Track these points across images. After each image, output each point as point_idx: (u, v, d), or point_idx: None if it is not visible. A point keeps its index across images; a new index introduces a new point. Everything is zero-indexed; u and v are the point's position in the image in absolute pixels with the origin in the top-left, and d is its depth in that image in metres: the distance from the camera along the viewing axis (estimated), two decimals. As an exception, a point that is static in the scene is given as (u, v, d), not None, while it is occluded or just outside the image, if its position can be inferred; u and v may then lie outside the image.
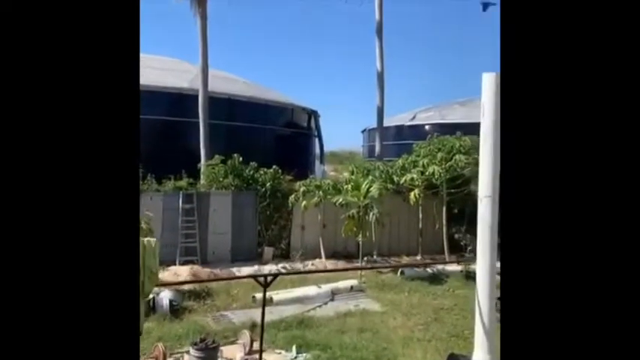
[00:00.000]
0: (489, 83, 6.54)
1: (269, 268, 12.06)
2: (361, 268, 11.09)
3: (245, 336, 6.83)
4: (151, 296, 7.74)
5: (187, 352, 5.95)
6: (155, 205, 11.92)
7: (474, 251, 13.55)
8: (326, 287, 9.76)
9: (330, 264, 12.92)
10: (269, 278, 5.43)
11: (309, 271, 10.50)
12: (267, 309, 8.72)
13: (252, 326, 7.41)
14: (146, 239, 4.53)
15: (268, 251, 13.18)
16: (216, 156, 13.90)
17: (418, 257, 14.24)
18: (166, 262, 11.45)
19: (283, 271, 11.93)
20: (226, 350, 6.72)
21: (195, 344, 5.73)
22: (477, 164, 13.57)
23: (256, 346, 6.52)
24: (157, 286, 7.46)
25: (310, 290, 9.59)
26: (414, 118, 27.03)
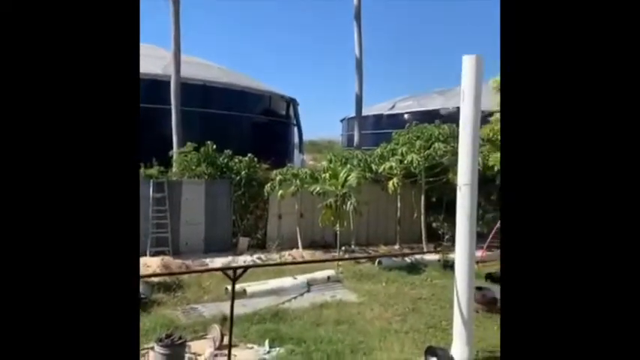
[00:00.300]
0: (469, 66, 6.30)
1: (244, 259, 11.76)
2: (337, 260, 10.86)
3: (215, 330, 6.52)
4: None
5: (152, 348, 5.61)
6: (125, 194, 11.46)
7: (451, 240, 13.53)
8: (302, 278, 9.49)
9: (307, 254, 12.66)
10: (238, 271, 5.11)
11: (282, 263, 10.17)
12: (240, 301, 8.46)
13: (224, 320, 7.09)
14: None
15: (243, 241, 12.84)
16: (189, 143, 13.44)
17: (396, 246, 14.09)
18: (137, 253, 11.08)
19: (259, 262, 11.65)
20: (195, 345, 6.41)
21: (161, 340, 5.40)
22: (455, 153, 13.45)
23: (227, 340, 6.22)
24: None
25: (285, 281, 9.31)
26: (393, 107, 26.86)
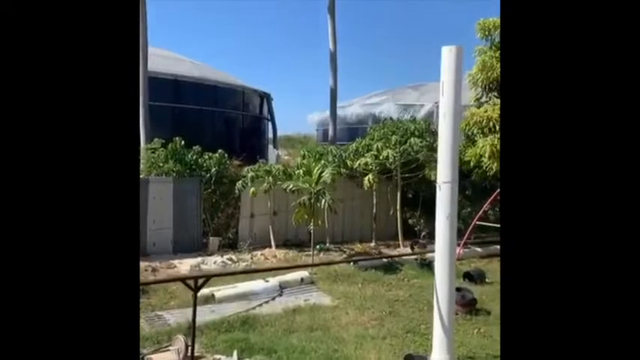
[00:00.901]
0: (449, 58, 5.94)
1: (214, 260, 11.28)
2: (309, 265, 10.40)
3: (179, 341, 6.04)
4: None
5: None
6: (86, 194, 10.84)
7: (428, 237, 13.30)
8: (273, 281, 9.05)
9: (280, 253, 12.24)
10: (200, 281, 4.66)
11: (246, 271, 9.47)
12: (208, 307, 7.99)
13: (189, 328, 6.63)
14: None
15: (214, 241, 12.33)
16: (156, 139, 12.83)
17: (372, 243, 13.78)
18: (100, 256, 10.50)
19: (229, 262, 11.18)
20: (157, 358, 5.94)
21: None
22: (431, 148, 13.20)
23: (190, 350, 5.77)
24: None
25: (256, 285, 8.85)
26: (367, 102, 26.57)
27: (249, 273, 8.99)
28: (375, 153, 13.01)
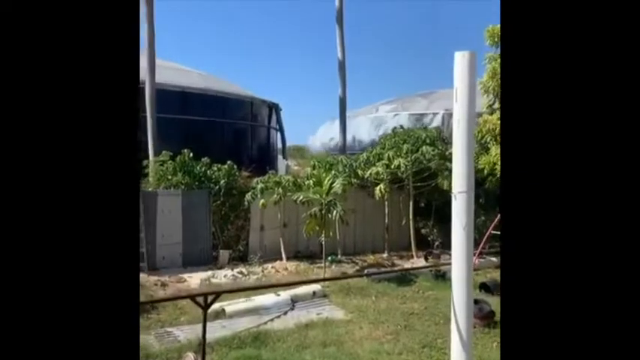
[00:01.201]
0: (462, 64, 5.76)
1: (225, 273, 11.13)
2: (322, 280, 10.17)
3: (189, 359, 5.87)
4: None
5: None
6: (95, 208, 10.74)
7: (441, 246, 13.04)
8: (285, 295, 8.84)
9: (291, 265, 12.06)
10: (210, 298, 4.49)
11: (258, 287, 9.20)
12: (218, 322, 7.80)
13: (200, 345, 6.44)
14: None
15: (224, 254, 12.18)
16: (164, 152, 12.75)
17: (385, 254, 13.54)
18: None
19: (240, 276, 11.02)
20: (166, 377, 5.77)
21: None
22: (443, 156, 13.00)
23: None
24: None
25: (267, 299, 8.65)
26: (376, 111, 26.42)
27: (261, 289, 8.78)
28: (387, 162, 12.83)
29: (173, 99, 17.80)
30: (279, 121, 23.94)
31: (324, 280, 9.69)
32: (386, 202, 13.53)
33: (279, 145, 24.60)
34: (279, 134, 24.18)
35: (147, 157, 13.45)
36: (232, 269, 11.41)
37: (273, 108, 23.56)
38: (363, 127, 24.23)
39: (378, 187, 12.70)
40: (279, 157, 24.71)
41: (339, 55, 18.32)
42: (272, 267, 11.84)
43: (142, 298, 8.88)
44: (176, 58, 22.17)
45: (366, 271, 10.92)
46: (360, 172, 13.28)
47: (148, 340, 7.09)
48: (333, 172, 12.64)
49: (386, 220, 13.79)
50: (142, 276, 10.10)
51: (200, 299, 4.88)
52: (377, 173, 12.77)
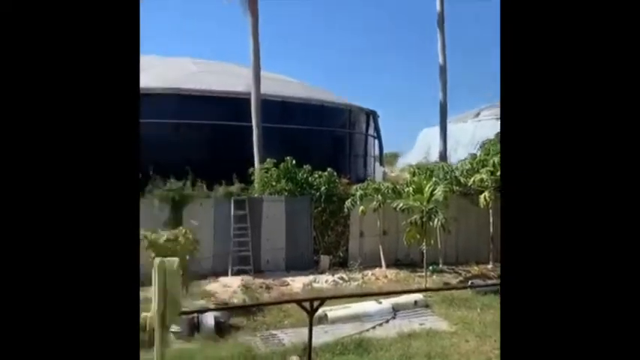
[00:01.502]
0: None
1: (325, 278, 11.30)
2: (426, 290, 9.94)
3: (294, 362, 6.04)
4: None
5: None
6: (206, 212, 11.44)
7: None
8: (386, 303, 8.78)
9: (391, 273, 11.94)
10: (315, 303, 4.58)
11: (362, 294, 9.17)
12: (321, 327, 7.92)
13: (304, 349, 6.59)
14: (167, 260, 3.81)
15: (325, 260, 12.37)
16: (269, 159, 13.26)
17: (489, 265, 12.92)
18: (218, 272, 10.97)
19: (340, 281, 11.13)
20: (273, 379, 5.96)
21: (234, 378, 4.98)
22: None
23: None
24: (187, 313, 6.82)
25: (369, 306, 8.65)
26: (478, 114, 25.44)
27: (366, 296, 8.77)
28: (491, 169, 12.27)
29: (274, 108, 18.49)
30: (376, 127, 23.91)
31: (429, 290, 9.49)
32: (490, 211, 12.92)
33: (377, 152, 24.53)
34: (376, 141, 24.14)
35: (252, 165, 14.07)
36: (333, 275, 11.56)
37: (371, 115, 23.58)
38: (464, 133, 23.45)
39: (482, 195, 12.19)
40: (376, 164, 24.63)
41: (440, 60, 17.91)
42: (372, 274, 11.81)
43: (249, 300, 9.31)
44: (275, 68, 22.94)
45: (470, 282, 10.50)
46: (462, 179, 12.84)
47: (255, 341, 7.40)
48: (433, 179, 12.35)
49: (490, 230, 13.17)
50: (248, 278, 10.58)
51: (306, 304, 5.00)
52: (481, 180, 12.27)
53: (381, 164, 24.85)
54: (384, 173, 23.56)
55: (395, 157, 31.01)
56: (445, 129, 18.64)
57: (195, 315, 7.33)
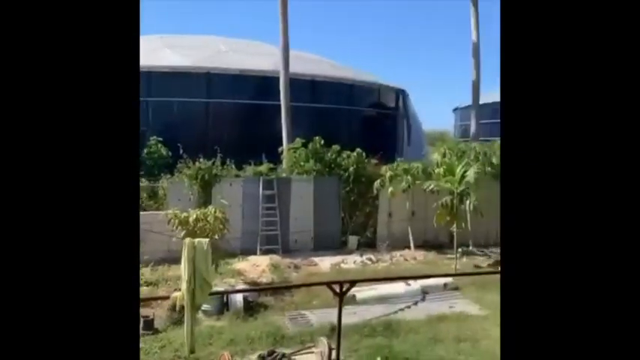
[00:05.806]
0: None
1: (353, 259, 11.27)
2: (460, 274, 9.76)
3: (322, 344, 6.01)
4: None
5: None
6: (235, 192, 11.48)
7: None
8: (415, 285, 8.69)
9: (420, 255, 11.83)
10: (345, 286, 4.52)
11: (393, 277, 8.94)
12: (349, 309, 7.89)
13: (332, 330, 6.58)
14: (196, 240, 3.80)
15: (353, 240, 12.33)
16: (297, 139, 13.19)
17: (521, 249, 12.67)
18: (247, 251, 11.04)
19: (368, 262, 11.08)
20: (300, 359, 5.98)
21: (263, 358, 4.99)
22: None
23: (335, 355, 5.69)
24: (217, 293, 6.86)
25: (398, 288, 8.58)
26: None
27: (398, 279, 8.65)
28: (526, 150, 11.92)
29: (303, 87, 18.35)
30: (406, 107, 23.54)
31: (463, 274, 9.31)
32: (524, 193, 12.61)
33: (406, 132, 24.18)
34: (405, 120, 23.78)
35: (281, 144, 14.03)
36: (361, 255, 11.51)
37: (400, 94, 23.21)
38: (497, 113, 22.85)
39: (515, 177, 11.87)
40: (405, 144, 24.29)
41: (474, 37, 17.38)
42: (400, 255, 11.72)
43: (277, 280, 9.35)
44: (305, 46, 22.76)
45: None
46: (495, 160, 12.51)
47: (284, 321, 7.42)
48: (465, 160, 12.07)
49: (523, 212, 12.87)
50: (276, 258, 10.61)
51: (335, 286, 4.95)
52: (515, 162, 11.93)
53: (409, 144, 24.48)
54: (424, 153, 23.08)
55: (430, 137, 30.46)
56: (477, 108, 18.18)
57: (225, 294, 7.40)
